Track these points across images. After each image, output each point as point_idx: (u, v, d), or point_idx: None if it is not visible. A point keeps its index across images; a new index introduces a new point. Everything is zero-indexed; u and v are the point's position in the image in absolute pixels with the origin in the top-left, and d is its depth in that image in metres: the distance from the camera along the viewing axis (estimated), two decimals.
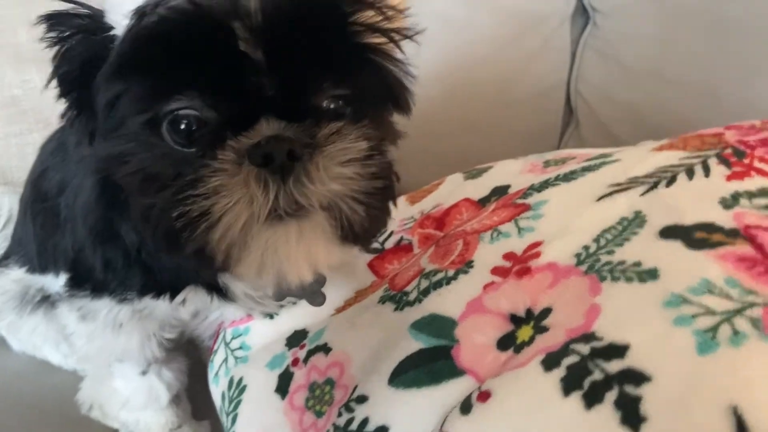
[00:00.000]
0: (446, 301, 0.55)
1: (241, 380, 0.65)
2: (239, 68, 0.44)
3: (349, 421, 0.53)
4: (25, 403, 0.76)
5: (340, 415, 0.54)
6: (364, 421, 0.52)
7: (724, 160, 0.54)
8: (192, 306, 0.62)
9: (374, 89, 0.51)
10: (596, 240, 0.52)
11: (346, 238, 0.48)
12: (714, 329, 0.41)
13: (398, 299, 0.59)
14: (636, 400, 0.39)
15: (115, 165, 0.48)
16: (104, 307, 0.62)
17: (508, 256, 0.56)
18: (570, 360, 0.43)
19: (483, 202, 0.69)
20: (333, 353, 0.60)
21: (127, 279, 0.59)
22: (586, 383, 0.41)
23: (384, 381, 0.53)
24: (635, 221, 0.52)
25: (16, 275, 0.79)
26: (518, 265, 0.54)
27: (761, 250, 0.44)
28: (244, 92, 0.45)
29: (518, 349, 0.48)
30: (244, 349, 0.68)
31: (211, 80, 0.45)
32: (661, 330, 0.42)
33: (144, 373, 0.71)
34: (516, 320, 0.50)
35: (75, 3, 0.51)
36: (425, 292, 0.57)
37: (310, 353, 0.62)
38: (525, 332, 0.49)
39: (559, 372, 0.43)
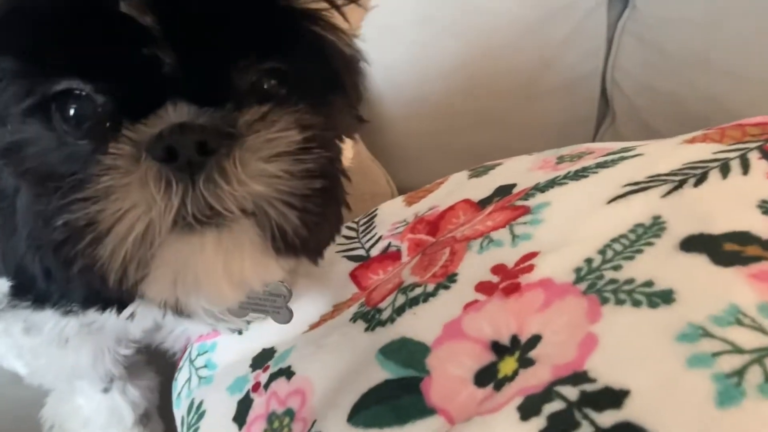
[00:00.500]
0: (420, 323, 0.46)
1: (201, 404, 0.58)
2: (127, 38, 0.36)
3: None
4: None
5: None
6: None
7: (767, 155, 0.44)
8: (146, 321, 0.55)
9: (312, 66, 0.42)
10: (602, 252, 0.42)
11: (281, 250, 0.39)
12: (740, 373, 0.31)
13: (370, 317, 0.51)
14: None
15: (9, 159, 0.41)
16: (49, 319, 0.56)
17: (497, 269, 0.46)
18: (553, 407, 0.34)
19: (483, 203, 0.60)
20: (295, 378, 0.51)
21: (69, 290, 0.52)
22: None
23: (343, 417, 0.44)
24: (652, 229, 0.42)
25: None
26: (507, 281, 0.44)
27: None
28: (140, 69, 0.37)
29: (499, 385, 0.39)
30: (209, 367, 0.61)
31: (94, 55, 0.36)
32: (671, 372, 0.33)
33: (106, 390, 0.64)
34: (499, 349, 0.41)
35: None
36: (400, 310, 0.49)
37: (272, 377, 0.53)
38: (508, 365, 0.40)
39: (538, 422, 0.34)
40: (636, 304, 0.37)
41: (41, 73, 0.37)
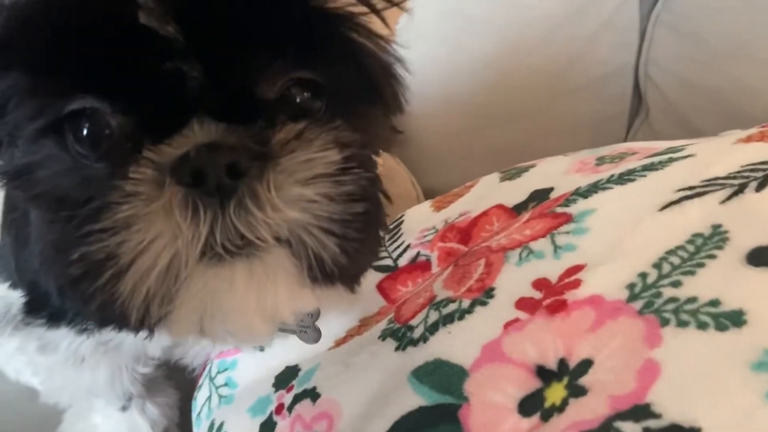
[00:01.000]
0: (456, 343, 0.42)
1: (221, 426, 0.55)
2: (147, 51, 0.32)
3: None
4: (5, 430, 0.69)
5: None
6: None
7: None
8: (165, 339, 0.52)
9: (348, 76, 0.38)
10: (657, 265, 0.38)
11: (318, 279, 0.35)
12: None
13: (401, 335, 0.47)
14: None
15: (20, 183, 0.38)
16: (64, 337, 0.53)
17: (540, 283, 0.42)
18: None
19: (518, 209, 0.56)
20: (321, 401, 0.48)
21: (85, 310, 0.50)
22: None
23: None
24: (713, 240, 0.38)
25: None
26: (551, 297, 0.40)
27: None
28: (162, 85, 0.33)
29: (546, 415, 0.35)
30: (230, 386, 0.58)
31: (111, 71, 0.33)
32: (748, 407, 0.29)
33: (124, 408, 0.62)
34: (545, 374, 0.37)
35: None
36: (433, 329, 0.45)
37: (297, 399, 0.50)
38: (556, 392, 0.36)
39: None
40: (701, 326, 0.33)
41: (54, 91, 0.34)
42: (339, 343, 0.54)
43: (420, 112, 1.13)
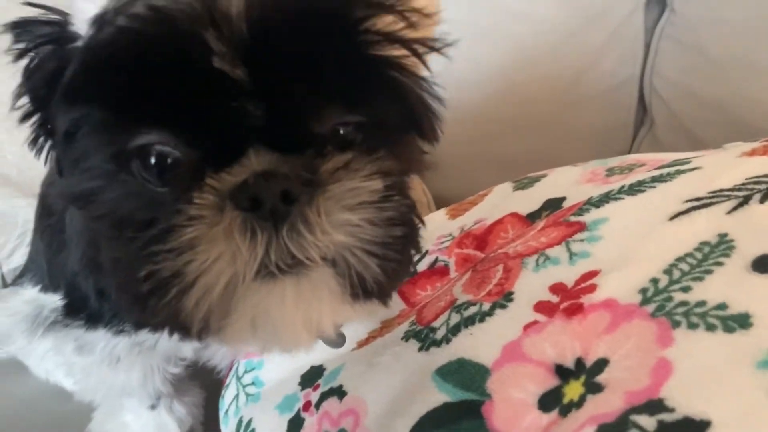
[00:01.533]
0: (478, 343, 0.45)
1: (249, 423, 0.58)
2: (216, 91, 0.35)
3: None
4: (37, 429, 0.71)
5: None
6: None
7: None
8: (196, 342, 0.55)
9: (392, 112, 0.41)
10: (668, 271, 0.41)
11: (358, 296, 0.39)
12: None
13: (424, 336, 0.50)
14: None
15: (83, 204, 0.41)
16: (101, 339, 0.56)
17: (556, 288, 0.45)
18: None
19: (532, 217, 0.58)
20: (348, 398, 0.51)
21: (123, 312, 0.52)
22: None
23: None
24: (719, 248, 0.41)
25: (30, 295, 0.74)
26: (568, 301, 0.43)
27: None
28: (225, 119, 0.36)
29: (565, 410, 0.38)
30: (256, 385, 0.60)
31: (182, 108, 0.36)
32: (755, 402, 0.31)
33: (153, 407, 0.64)
34: (563, 373, 0.40)
35: (45, 8, 0.42)
36: (455, 330, 0.48)
37: (324, 396, 0.53)
38: (574, 389, 0.39)
39: None
40: (710, 328, 0.36)
41: (125, 124, 0.37)
42: (361, 344, 0.57)
43: None
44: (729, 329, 0.35)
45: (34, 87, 0.42)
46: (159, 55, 0.34)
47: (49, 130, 0.43)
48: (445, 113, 0.43)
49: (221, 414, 0.62)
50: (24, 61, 0.43)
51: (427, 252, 0.63)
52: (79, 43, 0.39)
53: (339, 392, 0.52)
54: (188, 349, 0.58)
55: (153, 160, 0.37)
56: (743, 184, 0.45)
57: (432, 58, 0.42)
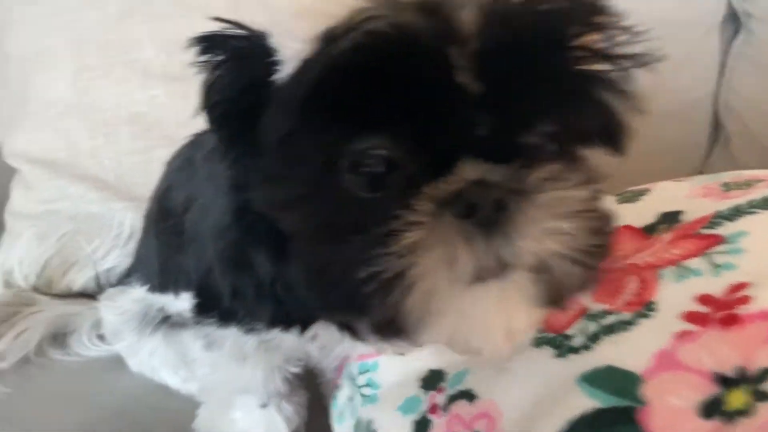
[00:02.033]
0: (625, 351, 0.46)
1: (370, 423, 0.59)
2: (450, 103, 0.37)
3: None
4: (141, 428, 0.73)
5: None
6: None
7: None
8: (321, 340, 0.56)
9: (591, 124, 0.42)
10: None
11: (553, 303, 0.40)
12: None
13: (558, 343, 0.51)
14: None
15: (281, 210, 0.42)
16: (231, 336, 0.58)
17: (705, 299, 0.46)
18: None
19: (649, 230, 0.59)
20: (479, 402, 0.52)
21: (256, 309, 0.54)
22: None
23: None
24: None
25: (138, 294, 0.77)
26: (721, 312, 0.44)
27: None
28: (450, 129, 0.37)
29: (728, 417, 0.39)
30: (372, 386, 0.62)
31: (413, 117, 0.37)
32: None
33: (264, 405, 0.66)
34: (723, 381, 0.40)
35: (229, 23, 0.44)
36: (594, 338, 0.48)
37: (452, 399, 0.54)
38: (737, 397, 0.39)
39: None
40: None
41: (351, 132, 0.38)
42: None
43: None
44: None
45: (221, 101, 0.43)
46: (400, 70, 0.36)
47: (236, 140, 0.44)
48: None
49: (334, 414, 0.64)
50: (207, 76, 0.44)
51: None
52: (283, 57, 0.40)
53: (468, 395, 0.53)
54: (313, 348, 0.59)
55: (368, 168, 0.38)
56: None
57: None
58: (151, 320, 0.76)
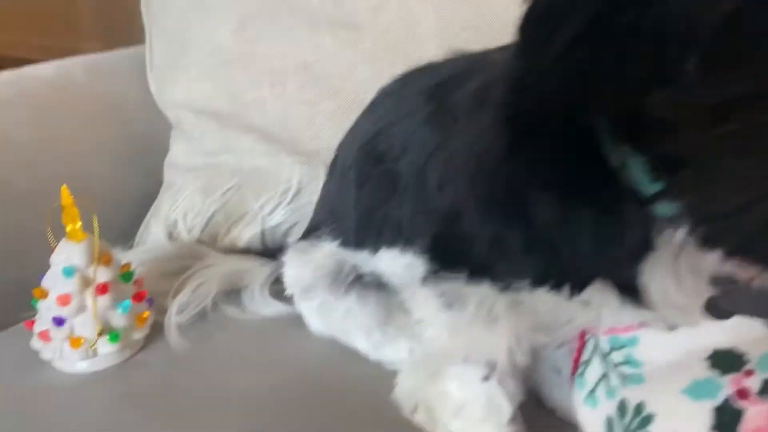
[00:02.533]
0: None
1: (641, 407, 0.50)
2: None
3: None
4: (331, 395, 0.67)
5: None
6: None
7: None
8: (593, 305, 0.48)
9: None
10: None
11: None
12: None
13: None
14: None
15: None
16: (477, 294, 0.50)
17: None
18: None
19: None
20: None
21: (522, 263, 0.46)
22: None
23: None
24: None
25: (330, 249, 0.70)
26: None
27: None
28: None
29: None
30: (632, 364, 0.53)
31: None
32: None
33: (486, 378, 0.58)
34: None
35: None
36: None
37: None
38: None
39: None
40: None
41: None
42: None
43: None
44: None
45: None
46: None
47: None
48: None
49: (582, 394, 0.55)
50: None
51: None
52: None
53: None
54: (575, 310, 0.50)
55: None
56: None
57: None
58: (344, 278, 0.69)
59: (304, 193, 0.90)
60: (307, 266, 0.71)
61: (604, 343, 0.55)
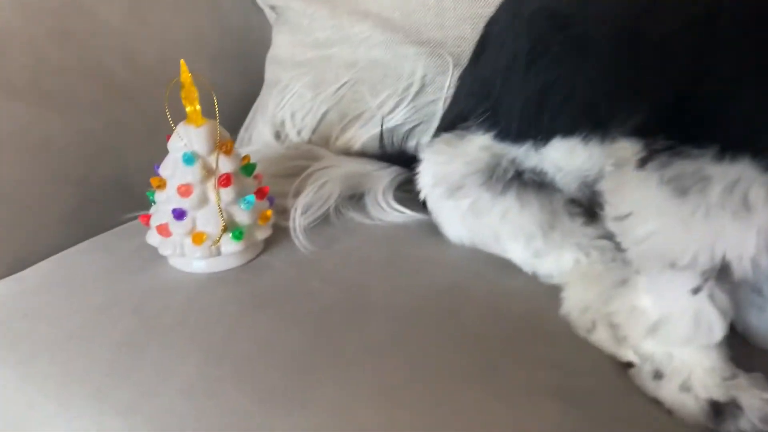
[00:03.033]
0: None
1: None
2: None
3: None
4: (485, 309, 0.58)
5: None
6: None
7: None
8: None
9: None
10: None
11: None
12: None
13: None
14: None
15: None
16: (726, 176, 0.39)
17: None
18: None
19: None
20: None
21: None
22: None
23: None
24: None
25: (482, 142, 0.60)
26: None
27: None
28: None
29: None
30: None
31: None
32: None
33: (697, 290, 0.47)
34: None
35: None
36: None
37: None
38: None
39: None
40: None
41: None
42: None
43: None
44: None
45: None
46: None
47: None
48: None
49: None
50: None
51: None
52: None
53: None
54: None
55: None
56: None
57: None
58: (501, 176, 0.59)
59: (429, 89, 0.80)
60: (454, 161, 0.61)
61: None
